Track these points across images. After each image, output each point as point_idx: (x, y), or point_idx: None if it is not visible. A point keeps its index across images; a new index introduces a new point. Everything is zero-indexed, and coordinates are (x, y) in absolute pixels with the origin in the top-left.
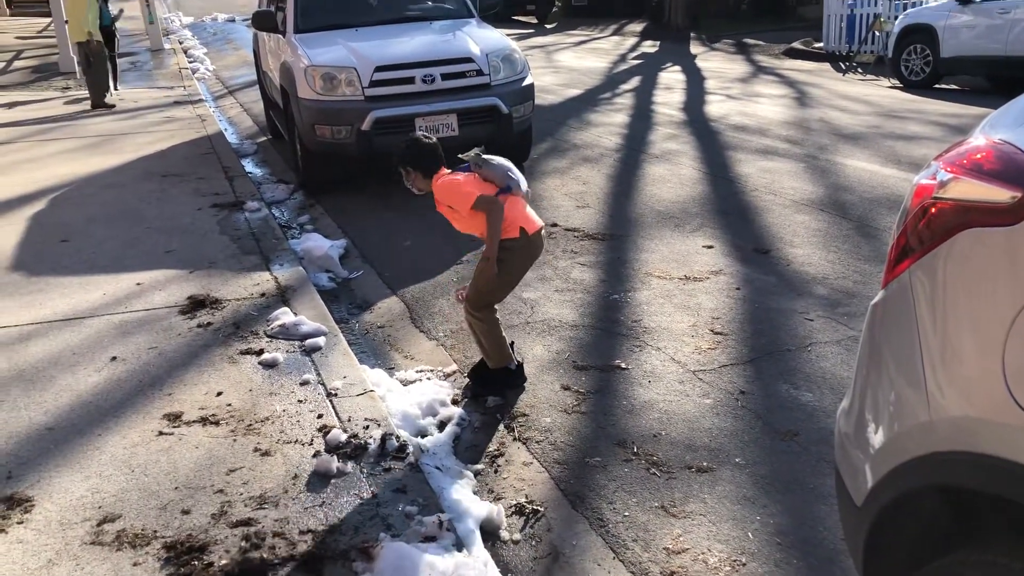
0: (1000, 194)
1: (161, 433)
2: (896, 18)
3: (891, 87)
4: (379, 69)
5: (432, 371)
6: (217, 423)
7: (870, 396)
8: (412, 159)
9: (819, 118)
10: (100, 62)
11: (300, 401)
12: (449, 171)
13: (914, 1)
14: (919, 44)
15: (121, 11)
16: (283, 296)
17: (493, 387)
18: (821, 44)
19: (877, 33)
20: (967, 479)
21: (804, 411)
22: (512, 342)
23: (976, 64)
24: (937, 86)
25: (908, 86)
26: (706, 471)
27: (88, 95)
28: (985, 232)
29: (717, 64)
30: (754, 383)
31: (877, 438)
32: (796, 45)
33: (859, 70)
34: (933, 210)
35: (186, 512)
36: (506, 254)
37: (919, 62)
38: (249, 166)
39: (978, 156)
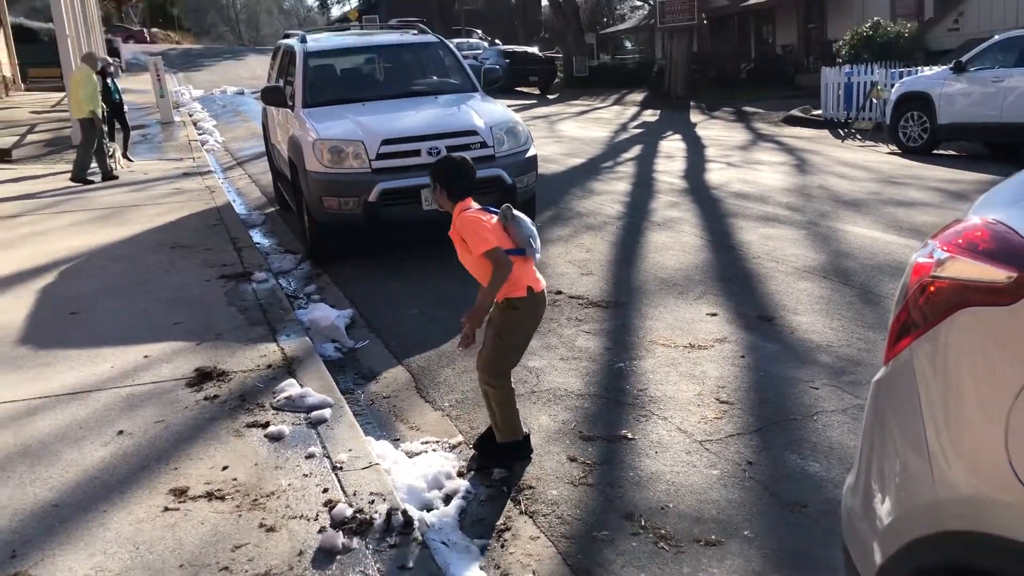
0: (996, 274)
1: (167, 509)
2: (893, 86)
3: (890, 153)
4: (386, 142)
5: (438, 442)
6: (223, 498)
7: (876, 472)
8: (444, 177)
9: (819, 185)
10: (88, 140)
11: (306, 475)
12: (478, 206)
13: (910, 69)
14: (916, 111)
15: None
16: (289, 367)
17: (500, 459)
18: (820, 111)
19: (875, 100)
20: (977, 560)
21: (812, 482)
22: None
23: (972, 131)
24: (935, 152)
25: (906, 152)
26: (715, 544)
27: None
28: (984, 311)
29: (717, 132)
30: (761, 453)
31: (885, 515)
32: (795, 113)
33: (858, 137)
34: (932, 288)
35: None
36: (513, 313)
37: (917, 129)
38: (257, 236)
39: (973, 236)
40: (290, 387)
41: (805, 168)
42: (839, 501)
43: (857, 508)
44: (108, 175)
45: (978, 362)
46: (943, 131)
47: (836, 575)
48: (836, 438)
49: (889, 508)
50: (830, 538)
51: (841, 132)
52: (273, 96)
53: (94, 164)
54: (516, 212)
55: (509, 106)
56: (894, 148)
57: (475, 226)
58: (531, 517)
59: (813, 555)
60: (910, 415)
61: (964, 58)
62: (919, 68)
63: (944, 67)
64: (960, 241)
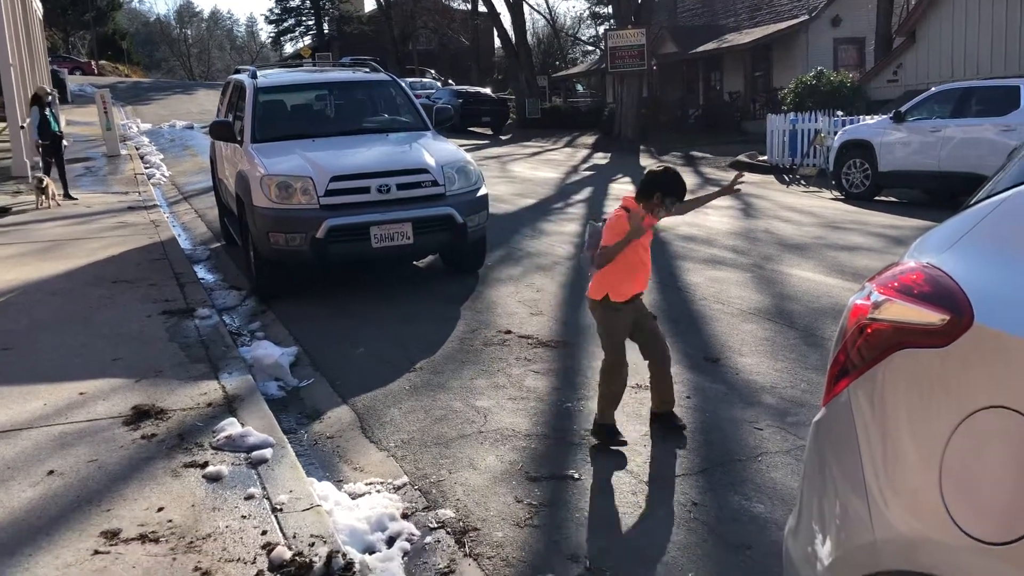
0: (931, 316)
1: (97, 552)
2: (836, 133)
3: (833, 199)
4: (335, 179)
5: (382, 483)
6: (156, 540)
7: (816, 514)
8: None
9: (765, 228)
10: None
11: (244, 516)
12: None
13: (852, 118)
14: (858, 158)
15: None
16: (230, 406)
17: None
18: (765, 157)
19: (819, 147)
20: None
21: (756, 523)
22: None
23: (912, 178)
24: (877, 198)
25: (849, 198)
26: None
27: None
28: (919, 353)
29: None
30: (707, 494)
31: (824, 556)
32: (741, 158)
33: (802, 182)
34: (869, 330)
35: None
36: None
37: (859, 175)
38: (201, 272)
39: (909, 279)
40: (230, 426)
41: (751, 212)
42: (782, 543)
43: (798, 549)
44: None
45: (913, 403)
46: (884, 178)
47: None
48: (780, 479)
49: (829, 549)
50: None
51: (786, 178)
52: (222, 131)
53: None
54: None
55: (462, 146)
56: (837, 194)
57: (614, 223)
58: (475, 560)
59: None
60: (849, 456)
61: (903, 108)
62: (861, 117)
63: (885, 116)
64: (896, 284)
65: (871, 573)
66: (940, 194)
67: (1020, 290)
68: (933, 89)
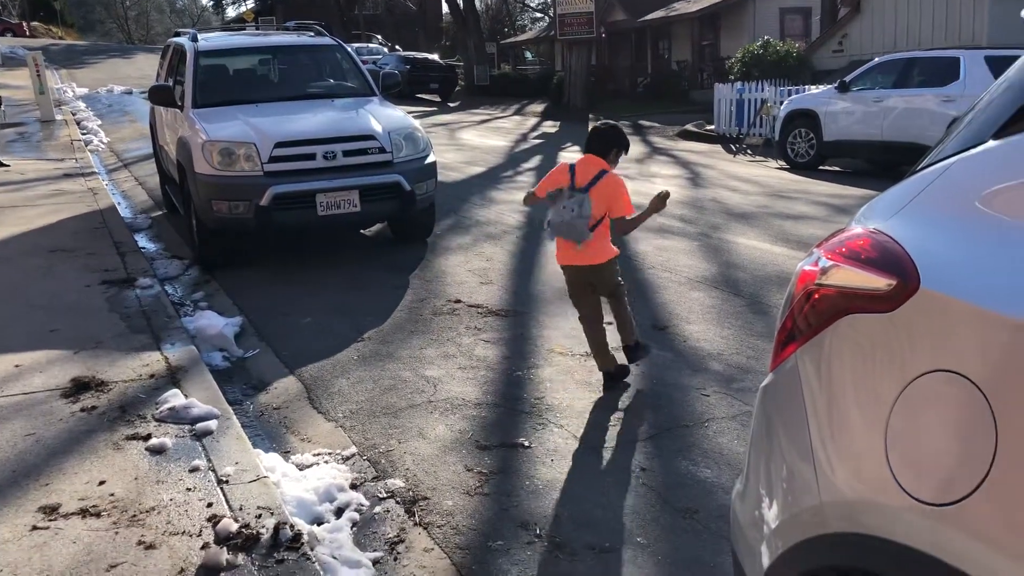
0: (878, 282)
1: (35, 528)
2: (782, 103)
3: (779, 168)
4: (279, 145)
5: (330, 454)
6: (98, 515)
7: (763, 478)
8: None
9: (711, 198)
10: None
11: (189, 489)
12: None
13: (798, 87)
14: (804, 128)
15: None
16: (173, 377)
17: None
18: (713, 127)
19: (765, 117)
20: (858, 561)
21: (703, 488)
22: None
23: (856, 148)
24: (821, 167)
25: (794, 167)
26: (609, 551)
27: None
28: (865, 318)
29: None
30: (654, 460)
31: (771, 519)
32: (689, 127)
33: (749, 152)
34: (816, 296)
35: None
36: (615, 265)
37: (804, 145)
38: (142, 241)
39: (856, 245)
40: (174, 398)
41: (698, 181)
42: (730, 506)
43: (745, 512)
44: None
45: (860, 368)
46: (828, 148)
47: None
48: (727, 444)
49: (776, 512)
50: (721, 543)
51: (733, 147)
52: (161, 95)
53: None
54: None
55: (409, 113)
56: (783, 163)
57: (623, 188)
58: (425, 528)
59: (704, 560)
60: (796, 421)
61: (848, 78)
62: (806, 87)
63: (830, 86)
64: (843, 250)
65: (817, 535)
66: (883, 164)
67: (965, 255)
68: (876, 60)
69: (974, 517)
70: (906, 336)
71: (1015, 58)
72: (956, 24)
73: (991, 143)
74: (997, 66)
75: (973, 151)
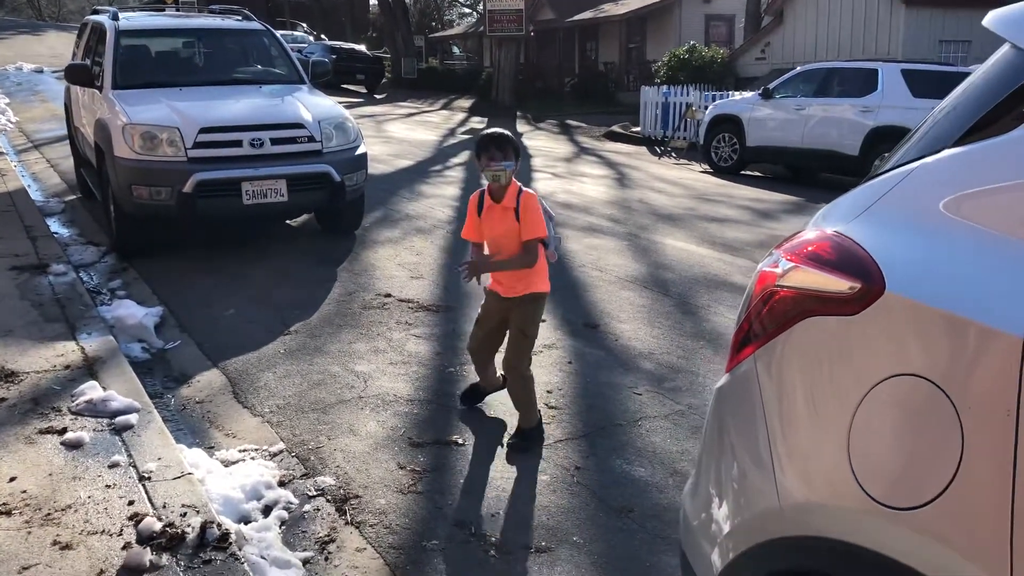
0: (840, 284)
1: None
2: (706, 108)
3: (702, 171)
4: (204, 131)
5: (257, 450)
6: (9, 513)
7: (716, 480)
8: (514, 148)
9: (639, 199)
10: None
11: (108, 486)
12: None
13: (722, 93)
14: (728, 133)
15: None
16: (90, 368)
17: (538, 438)
18: (639, 129)
19: (690, 120)
20: (814, 564)
21: (637, 487)
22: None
23: (777, 154)
24: (743, 172)
25: (718, 171)
26: (544, 551)
27: None
28: (826, 321)
29: (542, 143)
30: (589, 459)
31: (723, 522)
32: (616, 128)
33: (673, 155)
34: (776, 297)
35: None
36: (538, 307)
37: (728, 149)
38: (55, 226)
39: (817, 247)
40: (91, 390)
41: (625, 182)
42: (664, 506)
43: (695, 513)
44: None
45: (819, 372)
46: (751, 153)
47: None
48: (659, 443)
49: (727, 514)
50: (657, 543)
51: (658, 149)
52: (78, 74)
53: None
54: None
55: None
56: (707, 167)
57: (538, 210)
58: (357, 527)
59: (641, 559)
60: (750, 423)
61: (771, 85)
62: (730, 92)
63: (753, 93)
64: (804, 251)
65: (771, 539)
66: (802, 170)
67: (930, 259)
68: (799, 68)
69: (939, 521)
70: (870, 340)
71: (929, 72)
72: (873, 38)
73: (954, 149)
74: (913, 79)
75: (936, 156)
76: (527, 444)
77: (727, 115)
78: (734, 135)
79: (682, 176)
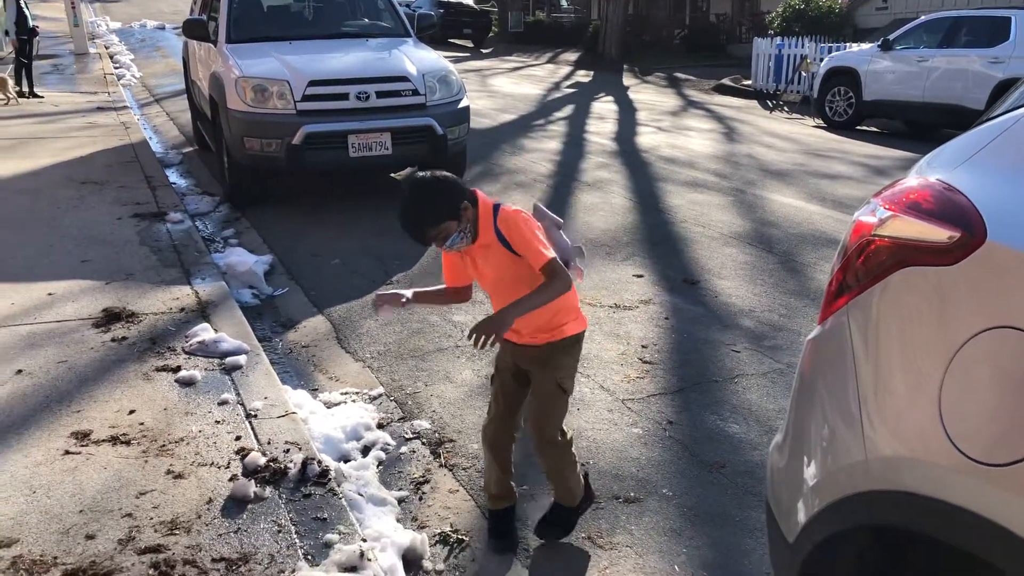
0: (938, 233)
1: (67, 452)
2: (822, 60)
3: (815, 126)
4: (312, 83)
5: (358, 393)
6: (128, 443)
7: (804, 432)
8: (456, 201)
9: (747, 154)
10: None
11: (218, 422)
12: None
13: (839, 44)
14: (843, 86)
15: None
16: (203, 312)
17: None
18: (750, 82)
19: (804, 74)
20: (900, 519)
21: (731, 443)
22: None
23: (895, 108)
24: (859, 127)
25: (832, 126)
26: (633, 502)
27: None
28: (923, 271)
29: (649, 96)
30: (682, 413)
31: (810, 474)
32: (726, 81)
33: (785, 109)
34: (872, 247)
35: (91, 537)
36: (576, 351)
37: (842, 104)
38: (173, 176)
39: (917, 195)
40: (204, 331)
41: (733, 136)
42: (757, 462)
43: (782, 466)
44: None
45: (914, 323)
46: (867, 107)
47: (752, 535)
48: (756, 401)
49: (815, 468)
50: (747, 499)
51: (770, 103)
52: (195, 29)
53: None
54: (540, 205)
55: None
56: (820, 122)
57: (529, 226)
58: (451, 470)
59: (729, 514)
60: (841, 375)
61: (891, 36)
62: (848, 44)
63: (872, 44)
64: (903, 200)
65: (856, 492)
66: (922, 126)
67: None
68: (922, 18)
69: None
70: (968, 291)
71: None
72: None
73: None
74: None
75: None
76: (569, 525)
77: (843, 68)
78: (850, 89)
79: (793, 131)
